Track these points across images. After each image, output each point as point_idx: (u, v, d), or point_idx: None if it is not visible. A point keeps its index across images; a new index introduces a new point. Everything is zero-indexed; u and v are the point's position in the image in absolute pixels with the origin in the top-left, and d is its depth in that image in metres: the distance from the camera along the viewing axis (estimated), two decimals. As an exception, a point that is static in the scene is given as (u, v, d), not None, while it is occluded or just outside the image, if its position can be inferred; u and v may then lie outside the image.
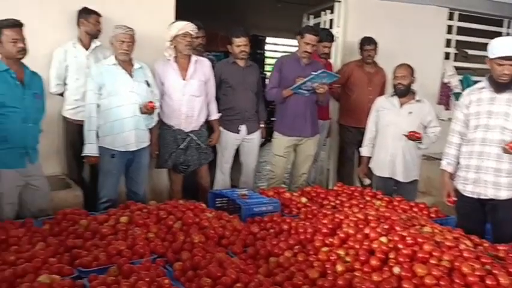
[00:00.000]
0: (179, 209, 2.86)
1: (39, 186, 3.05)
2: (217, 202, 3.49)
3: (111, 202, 3.42)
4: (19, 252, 2.25)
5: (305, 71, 4.06)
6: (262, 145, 4.49)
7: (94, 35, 3.80)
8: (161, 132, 3.73)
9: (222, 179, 4.21)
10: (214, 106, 3.96)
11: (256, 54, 8.85)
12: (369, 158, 4.00)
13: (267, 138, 4.70)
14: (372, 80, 4.75)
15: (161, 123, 3.73)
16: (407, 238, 2.30)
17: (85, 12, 3.76)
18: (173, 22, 3.65)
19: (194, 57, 3.73)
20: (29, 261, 2.13)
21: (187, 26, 3.57)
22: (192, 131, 3.76)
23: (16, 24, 2.77)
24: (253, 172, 4.42)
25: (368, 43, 4.69)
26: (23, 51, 2.81)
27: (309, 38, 4.03)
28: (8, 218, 2.83)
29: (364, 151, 4.04)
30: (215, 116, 3.97)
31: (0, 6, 3.54)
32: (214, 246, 2.50)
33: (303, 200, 3.43)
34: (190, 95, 3.70)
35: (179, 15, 4.28)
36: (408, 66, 3.74)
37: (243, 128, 4.16)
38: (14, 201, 2.93)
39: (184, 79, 3.68)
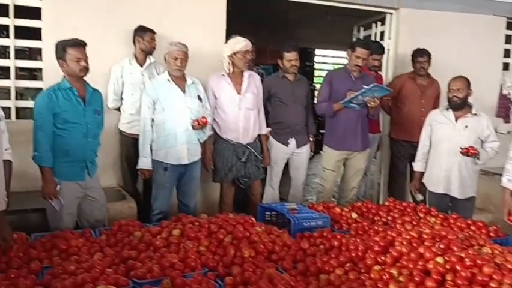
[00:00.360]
0: (229, 222, 2.89)
1: (97, 198, 3.18)
2: (266, 216, 3.49)
3: (163, 214, 3.51)
4: (79, 262, 2.35)
5: (356, 85, 4.01)
6: (310, 158, 4.47)
7: (149, 52, 3.94)
8: (219, 146, 3.79)
9: (271, 193, 4.22)
10: (263, 120, 3.99)
11: (306, 67, 8.84)
12: (423, 173, 3.89)
13: (316, 151, 4.68)
14: (425, 93, 4.63)
15: (216, 137, 3.80)
16: (465, 259, 2.21)
17: (141, 30, 3.92)
18: (234, 37, 3.71)
19: (247, 72, 3.80)
20: (88, 271, 2.22)
21: (248, 44, 3.64)
22: (248, 144, 3.81)
23: (80, 44, 2.92)
24: (302, 186, 4.41)
25: (420, 55, 4.58)
26: (85, 69, 2.95)
27: (360, 51, 3.99)
28: (67, 227, 2.96)
29: (417, 166, 3.93)
30: (264, 130, 4.00)
31: (62, 25, 3.77)
32: (264, 261, 2.51)
33: (354, 215, 3.38)
34: (245, 108, 3.76)
35: (230, 30, 4.38)
36: (464, 78, 3.62)
37: (292, 142, 4.16)
38: (73, 212, 3.08)
39: (239, 93, 3.74)
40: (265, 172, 4.17)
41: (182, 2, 4.20)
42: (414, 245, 2.46)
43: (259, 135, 3.94)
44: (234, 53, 3.67)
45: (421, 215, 3.41)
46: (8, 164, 2.72)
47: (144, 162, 3.48)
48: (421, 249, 2.38)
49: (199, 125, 3.46)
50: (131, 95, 3.89)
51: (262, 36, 4.23)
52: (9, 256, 2.41)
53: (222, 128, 3.77)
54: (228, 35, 4.32)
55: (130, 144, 3.92)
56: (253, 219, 3.08)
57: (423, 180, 3.88)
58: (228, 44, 3.72)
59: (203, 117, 3.50)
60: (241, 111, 3.75)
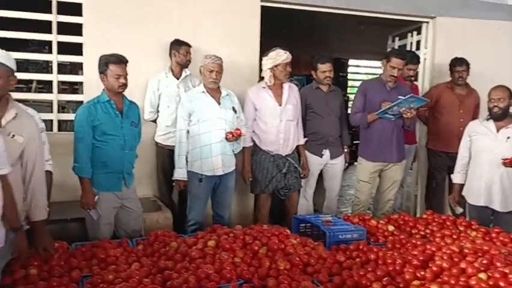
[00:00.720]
0: (264, 234, 2.88)
1: (134, 208, 3.23)
2: (300, 227, 3.47)
3: (198, 225, 3.55)
4: (117, 271, 2.39)
5: (391, 95, 3.96)
6: (345, 169, 4.43)
7: (184, 65, 4.01)
8: (258, 157, 3.79)
9: (305, 205, 4.19)
10: (301, 131, 3.98)
11: (339, 77, 8.78)
12: (462, 185, 3.78)
13: (350, 162, 4.64)
14: (463, 103, 4.51)
15: (255, 149, 3.79)
16: (510, 275, 2.12)
17: (176, 44, 3.99)
18: (274, 50, 3.71)
19: (286, 84, 3.81)
20: (126, 280, 2.26)
21: (289, 57, 3.65)
22: (288, 155, 3.81)
23: (121, 61, 3.00)
24: (336, 197, 4.37)
25: (459, 64, 4.48)
26: (124, 86, 3.04)
27: (396, 61, 3.94)
28: (104, 237, 3.04)
29: (456, 178, 3.82)
30: (302, 140, 3.99)
31: (101, 40, 3.89)
32: (300, 273, 2.48)
33: (390, 228, 3.31)
34: (286, 120, 3.76)
35: (263, 41, 4.41)
36: (506, 87, 3.51)
37: (326, 153, 4.13)
38: (110, 221, 3.15)
39: (280, 105, 3.75)
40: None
41: (216, 15, 4.26)
42: (456, 260, 2.39)
43: (297, 146, 3.93)
44: (275, 66, 3.68)
45: (461, 228, 3.31)
46: (48, 174, 2.83)
47: (179, 173, 3.52)
48: (463, 265, 2.31)
49: (233, 137, 3.49)
50: (167, 107, 3.96)
51: (295, 47, 4.24)
52: (51, 264, 2.48)
53: (262, 139, 3.78)
54: (261, 47, 4.37)
55: (165, 156, 3.99)
56: (288, 231, 3.06)
57: (463, 193, 3.77)
58: (268, 56, 3.72)
59: (237, 129, 3.53)
60: (282, 123, 3.75)
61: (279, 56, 3.67)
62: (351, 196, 6.15)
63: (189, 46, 4.01)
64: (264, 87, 3.77)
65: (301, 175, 3.95)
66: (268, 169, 3.76)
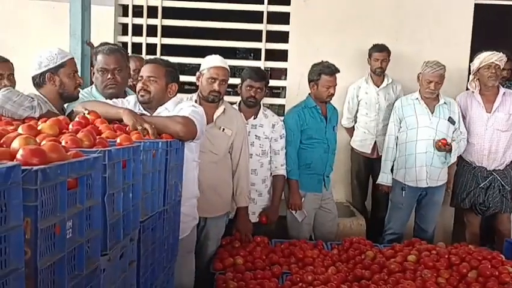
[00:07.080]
0: (473, 256, 2.59)
1: (331, 209, 3.28)
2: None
3: (397, 235, 3.40)
4: (315, 273, 2.44)
5: None
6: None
7: (381, 72, 3.83)
8: (460, 169, 3.48)
9: None
10: None
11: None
12: None
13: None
14: None
15: (460, 159, 3.47)
16: None
17: (373, 50, 3.84)
18: (479, 53, 3.37)
19: (502, 89, 3.39)
20: (324, 284, 2.29)
21: (490, 57, 3.25)
22: (494, 170, 3.37)
23: (334, 72, 3.06)
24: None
25: None
26: (331, 96, 3.11)
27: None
28: (304, 237, 3.14)
29: None
30: None
31: (306, 46, 4.01)
32: (519, 307, 2.16)
33: None
34: (494, 129, 3.35)
35: (477, 45, 3.98)
36: None
37: None
38: (311, 222, 3.24)
39: (488, 112, 3.36)
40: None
41: (419, 17, 4.03)
42: None
43: None
44: (478, 69, 3.32)
45: None
46: (281, 178, 3.08)
47: (384, 178, 3.43)
48: None
49: (443, 146, 3.20)
50: (366, 114, 3.87)
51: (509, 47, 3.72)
52: (254, 257, 2.66)
53: (466, 149, 3.42)
54: (472, 49, 3.97)
55: (361, 162, 3.95)
56: (502, 256, 2.70)
57: None
58: (474, 59, 3.36)
59: (443, 139, 3.22)
60: (487, 132, 3.35)
61: (478, 58, 3.29)
62: None
63: (385, 51, 3.80)
64: (473, 92, 3.42)
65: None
66: (467, 182, 3.40)
